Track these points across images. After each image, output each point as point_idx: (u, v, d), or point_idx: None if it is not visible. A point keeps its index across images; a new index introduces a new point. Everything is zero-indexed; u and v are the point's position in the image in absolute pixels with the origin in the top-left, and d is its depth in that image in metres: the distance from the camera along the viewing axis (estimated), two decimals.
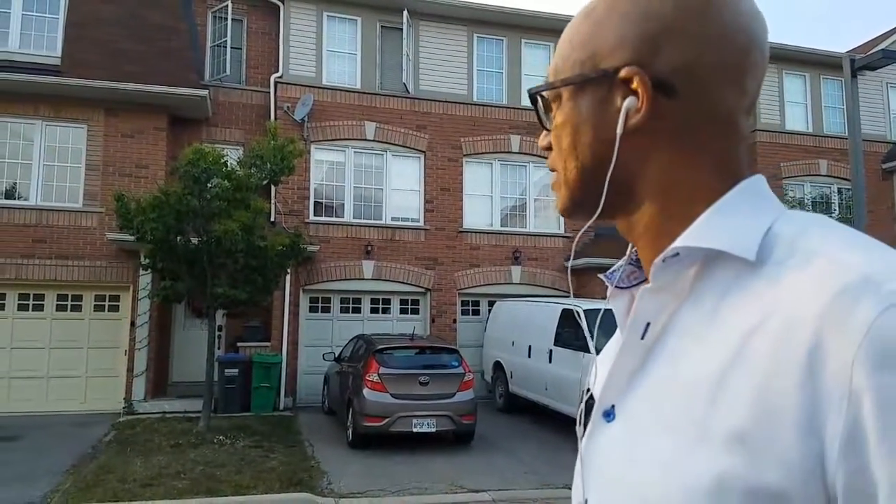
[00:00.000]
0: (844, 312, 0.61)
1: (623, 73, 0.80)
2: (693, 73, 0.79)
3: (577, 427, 0.90)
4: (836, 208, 19.14)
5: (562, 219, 17.89)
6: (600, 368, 0.98)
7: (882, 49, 11.31)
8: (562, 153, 0.88)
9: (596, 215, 0.86)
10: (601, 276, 0.97)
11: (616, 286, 0.92)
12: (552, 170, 0.92)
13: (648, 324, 0.79)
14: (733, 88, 0.81)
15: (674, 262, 0.76)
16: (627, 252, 0.93)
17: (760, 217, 0.76)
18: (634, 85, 0.79)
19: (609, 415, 0.82)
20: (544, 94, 0.90)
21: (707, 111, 0.80)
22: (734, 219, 0.76)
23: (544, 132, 0.92)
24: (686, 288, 0.77)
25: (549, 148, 0.92)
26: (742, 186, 0.80)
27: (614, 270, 0.93)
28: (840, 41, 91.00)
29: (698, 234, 0.76)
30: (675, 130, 0.80)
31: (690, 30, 0.79)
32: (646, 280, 0.89)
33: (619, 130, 0.80)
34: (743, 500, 0.64)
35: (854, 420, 0.59)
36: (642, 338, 0.79)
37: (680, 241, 0.76)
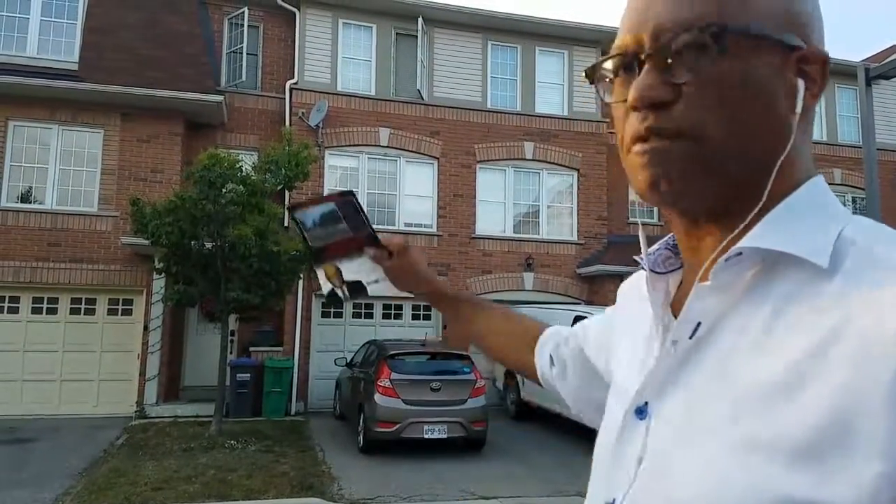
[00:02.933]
0: None
1: (819, 53, 0.76)
2: (828, 67, 0.78)
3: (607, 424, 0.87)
4: None
5: (575, 226, 17.88)
6: (618, 354, 0.98)
7: None
8: (716, 115, 0.73)
9: (757, 208, 0.73)
10: (637, 257, 0.90)
11: (652, 270, 0.87)
12: (666, 134, 0.74)
13: (699, 323, 0.74)
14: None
15: (736, 261, 0.72)
16: (666, 237, 0.90)
17: (831, 220, 0.72)
18: (811, 69, 0.76)
19: (642, 412, 0.78)
20: (713, 33, 0.72)
21: (814, 109, 0.80)
22: (805, 220, 0.72)
23: (652, 79, 0.74)
24: (741, 289, 0.73)
25: (657, 105, 0.74)
26: (809, 185, 0.76)
27: (650, 253, 0.88)
28: (855, 50, 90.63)
29: (766, 234, 0.71)
30: (804, 122, 0.77)
31: (823, 27, 0.81)
32: (681, 267, 0.87)
33: (798, 109, 0.74)
34: None
35: None
36: (691, 337, 0.75)
37: (746, 241, 0.71)
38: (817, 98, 0.76)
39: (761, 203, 0.73)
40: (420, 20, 17.12)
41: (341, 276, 1.43)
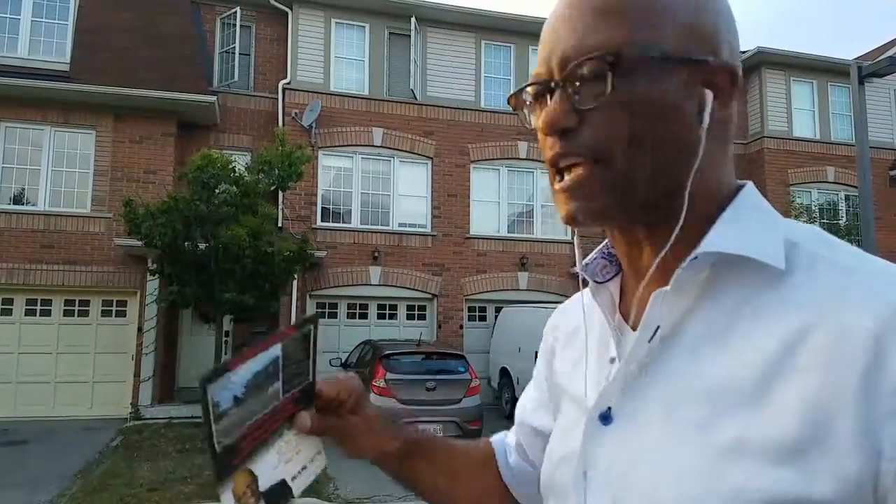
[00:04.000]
0: None
1: (725, 65, 0.77)
2: (738, 77, 0.79)
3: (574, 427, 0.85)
4: (844, 215, 19.11)
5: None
6: (571, 365, 0.95)
7: (889, 56, 11.31)
8: (622, 138, 0.74)
9: (680, 223, 0.75)
10: (577, 269, 0.91)
11: (594, 280, 0.89)
12: (571, 158, 0.76)
13: (658, 327, 0.75)
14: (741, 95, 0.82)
15: (693, 265, 0.73)
16: (600, 246, 0.91)
17: (774, 224, 0.76)
18: (720, 81, 0.77)
19: (606, 418, 0.78)
20: (605, 62, 0.74)
21: (733, 113, 0.80)
22: (752, 224, 0.75)
23: (558, 107, 0.77)
24: (696, 292, 0.75)
25: (562, 130, 0.77)
26: (748, 191, 0.79)
27: (587, 264, 0.89)
28: (847, 48, 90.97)
29: (723, 238, 0.73)
30: (719, 130, 0.78)
31: (735, 35, 0.81)
32: (617, 275, 0.89)
33: (705, 124, 0.75)
34: None
35: None
36: (649, 341, 0.75)
37: (704, 246, 0.73)
38: (728, 107, 0.77)
39: (682, 220, 0.74)
40: (413, 19, 17.11)
41: (255, 485, 0.89)
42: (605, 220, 0.80)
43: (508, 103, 0.88)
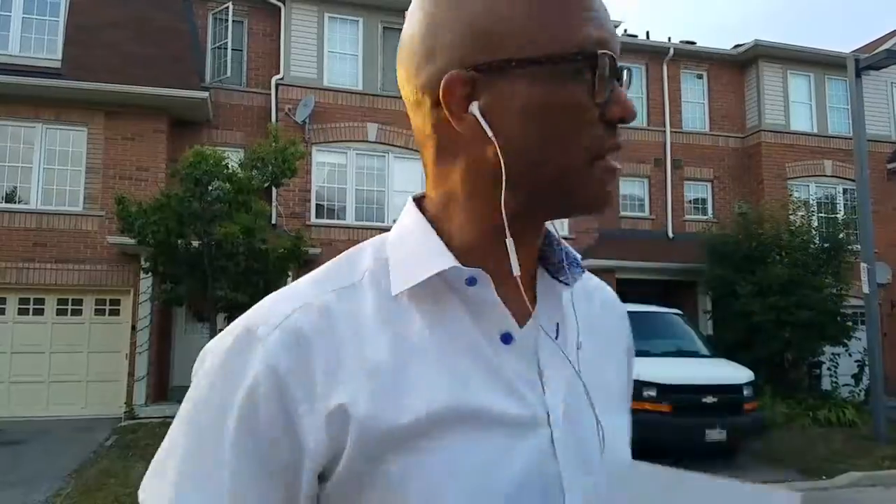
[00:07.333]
0: None
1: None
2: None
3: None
4: (842, 209, 19.08)
5: (565, 221, 17.81)
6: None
7: (886, 49, 11.28)
8: None
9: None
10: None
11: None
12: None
13: (557, 323, 0.81)
14: None
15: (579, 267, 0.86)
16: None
17: None
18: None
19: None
20: None
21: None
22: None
23: None
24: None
25: None
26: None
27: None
28: (845, 41, 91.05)
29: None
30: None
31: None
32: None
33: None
34: None
35: None
36: (556, 338, 0.80)
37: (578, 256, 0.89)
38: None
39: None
40: (407, 13, 17.01)
41: None
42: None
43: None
